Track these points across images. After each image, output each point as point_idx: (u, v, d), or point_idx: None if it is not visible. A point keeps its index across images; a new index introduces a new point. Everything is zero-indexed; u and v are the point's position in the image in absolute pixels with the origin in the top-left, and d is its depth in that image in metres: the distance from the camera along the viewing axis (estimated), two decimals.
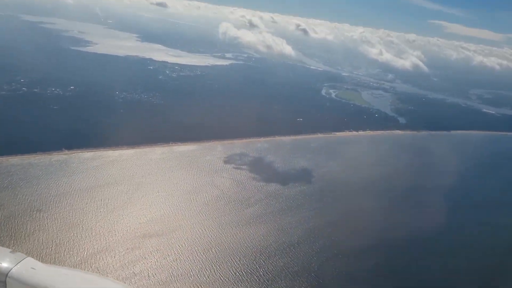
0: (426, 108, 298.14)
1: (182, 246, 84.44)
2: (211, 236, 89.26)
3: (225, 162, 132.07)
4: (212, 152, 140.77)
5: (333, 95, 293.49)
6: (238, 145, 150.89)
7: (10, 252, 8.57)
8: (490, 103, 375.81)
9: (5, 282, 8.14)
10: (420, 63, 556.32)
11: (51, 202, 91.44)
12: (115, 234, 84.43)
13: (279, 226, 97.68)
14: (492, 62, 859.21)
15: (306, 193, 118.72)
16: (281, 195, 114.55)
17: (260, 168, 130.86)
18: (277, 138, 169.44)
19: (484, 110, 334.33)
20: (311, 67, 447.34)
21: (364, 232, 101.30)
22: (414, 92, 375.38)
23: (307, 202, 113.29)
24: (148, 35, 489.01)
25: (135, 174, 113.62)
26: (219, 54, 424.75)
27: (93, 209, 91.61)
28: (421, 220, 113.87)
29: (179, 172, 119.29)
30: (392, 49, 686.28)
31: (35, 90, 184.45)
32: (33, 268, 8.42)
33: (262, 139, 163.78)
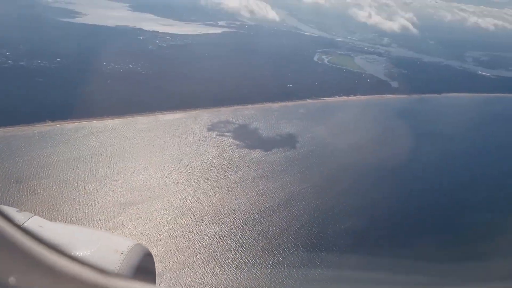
0: (420, 72, 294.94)
1: (162, 213, 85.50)
2: (192, 203, 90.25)
3: (210, 129, 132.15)
4: (198, 120, 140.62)
5: (325, 60, 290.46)
6: (225, 113, 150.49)
7: (17, 211, 8.67)
8: (486, 65, 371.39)
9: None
10: (409, 25, 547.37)
11: (32, 174, 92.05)
12: (95, 204, 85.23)
13: (260, 191, 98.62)
14: (488, 23, 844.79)
15: (290, 158, 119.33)
16: (265, 161, 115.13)
17: (245, 135, 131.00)
18: (266, 105, 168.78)
19: (479, 72, 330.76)
20: (305, 33, 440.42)
21: (347, 195, 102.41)
22: (409, 56, 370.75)
23: (290, 167, 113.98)
24: (139, 5, 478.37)
25: (118, 144, 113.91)
26: (212, 22, 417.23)
27: (74, 180, 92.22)
28: (406, 182, 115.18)
29: (163, 141, 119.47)
30: (384, 12, 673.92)
31: (21, 63, 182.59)
32: (40, 226, 8.60)
33: (249, 106, 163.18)
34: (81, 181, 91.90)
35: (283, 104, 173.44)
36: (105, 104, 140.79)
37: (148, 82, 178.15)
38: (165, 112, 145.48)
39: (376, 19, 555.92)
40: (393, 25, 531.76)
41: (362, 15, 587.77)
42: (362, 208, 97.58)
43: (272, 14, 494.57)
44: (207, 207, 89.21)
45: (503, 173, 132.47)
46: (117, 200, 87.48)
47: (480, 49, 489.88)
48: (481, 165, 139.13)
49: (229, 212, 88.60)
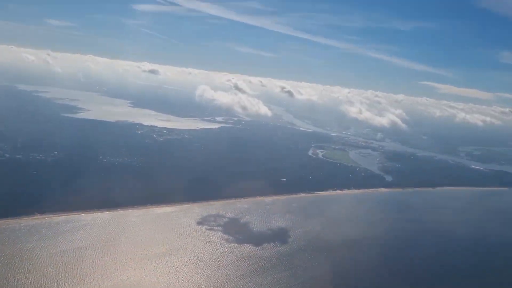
0: (413, 166, 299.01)
1: None
2: None
3: (200, 223, 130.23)
4: (189, 213, 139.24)
5: (320, 155, 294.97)
6: (216, 206, 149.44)
7: None
8: (478, 160, 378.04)
9: None
10: (398, 121, 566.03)
11: (11, 269, 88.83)
12: None
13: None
14: (476, 118, 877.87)
15: (282, 254, 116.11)
16: (255, 256, 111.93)
17: (235, 229, 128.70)
18: (258, 198, 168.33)
19: (472, 166, 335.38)
20: (301, 129, 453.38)
21: None
22: (403, 151, 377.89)
23: (281, 263, 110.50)
24: (140, 101, 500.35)
25: (105, 238, 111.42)
26: (210, 118, 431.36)
27: (54, 275, 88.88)
28: (399, 274, 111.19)
29: (151, 235, 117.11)
30: (375, 108, 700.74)
31: (18, 156, 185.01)
32: None
33: (242, 199, 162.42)
34: (61, 277, 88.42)
35: (276, 197, 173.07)
36: (96, 197, 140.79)
37: (142, 176, 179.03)
38: (157, 206, 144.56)
39: (367, 115, 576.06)
40: (383, 121, 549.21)
41: (353, 111, 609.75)
42: None
43: (264, 110, 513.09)
44: None
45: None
46: None
47: (472, 144, 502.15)
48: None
49: None
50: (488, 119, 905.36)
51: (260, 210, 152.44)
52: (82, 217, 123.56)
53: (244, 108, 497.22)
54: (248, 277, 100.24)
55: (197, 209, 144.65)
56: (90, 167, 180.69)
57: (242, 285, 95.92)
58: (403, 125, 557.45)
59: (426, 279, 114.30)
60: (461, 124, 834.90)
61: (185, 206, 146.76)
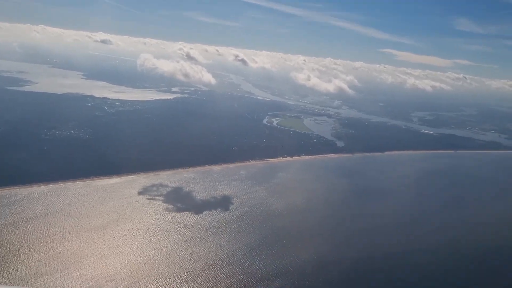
0: (366, 132, 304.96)
1: (74, 284, 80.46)
2: (110, 270, 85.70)
3: (142, 194, 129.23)
4: (133, 184, 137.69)
5: (274, 123, 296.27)
6: (162, 177, 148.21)
7: None
8: (430, 124, 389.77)
9: None
10: (345, 86, 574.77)
11: None
12: (2, 276, 79.73)
13: (187, 255, 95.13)
14: (426, 84, 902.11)
15: (222, 221, 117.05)
16: (195, 224, 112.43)
17: (178, 199, 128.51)
18: (207, 167, 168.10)
19: (423, 130, 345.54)
20: (258, 98, 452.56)
21: (276, 258, 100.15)
22: (358, 117, 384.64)
23: (221, 229, 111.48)
24: (94, 73, 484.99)
25: (41, 212, 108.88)
26: (165, 88, 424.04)
27: None
28: (337, 239, 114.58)
29: (91, 207, 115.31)
30: (327, 75, 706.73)
31: None
32: None
33: (190, 169, 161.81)
34: None
35: (225, 166, 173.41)
36: (34, 171, 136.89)
37: (87, 148, 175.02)
38: (100, 178, 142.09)
39: (315, 81, 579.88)
40: (329, 86, 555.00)
41: (301, 77, 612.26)
42: (291, 272, 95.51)
43: (207, 77, 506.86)
44: (128, 272, 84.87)
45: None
46: (28, 271, 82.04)
47: (425, 109, 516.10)
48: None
49: (151, 278, 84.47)
50: (437, 84, 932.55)
51: (207, 179, 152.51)
52: (18, 192, 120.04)
53: (186, 75, 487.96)
54: (187, 243, 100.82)
55: (142, 180, 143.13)
56: (32, 141, 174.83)
57: (179, 251, 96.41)
58: (350, 91, 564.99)
59: (360, 241, 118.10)
60: (412, 90, 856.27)
61: (130, 178, 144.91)
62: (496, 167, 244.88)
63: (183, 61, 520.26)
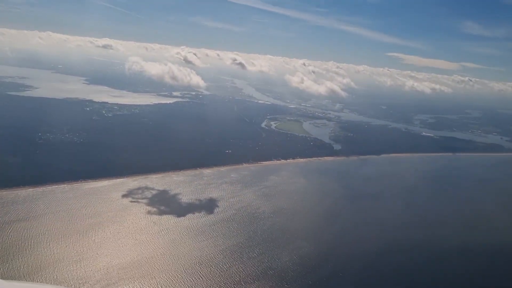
0: (365, 134, 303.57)
1: (60, 282, 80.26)
2: (89, 272, 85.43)
3: (127, 197, 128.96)
4: (121, 187, 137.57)
5: (273, 126, 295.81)
6: (151, 180, 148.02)
7: None
8: (431, 127, 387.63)
9: None
10: (337, 88, 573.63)
11: None
12: None
13: (165, 259, 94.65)
14: (425, 86, 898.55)
15: (206, 223, 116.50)
16: (178, 226, 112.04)
17: (162, 202, 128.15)
18: (198, 170, 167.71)
19: (424, 133, 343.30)
20: (259, 101, 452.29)
21: (257, 261, 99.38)
22: (359, 120, 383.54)
23: (203, 232, 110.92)
24: (96, 78, 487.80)
25: (25, 215, 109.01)
26: (166, 92, 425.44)
27: None
28: (322, 241, 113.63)
29: (76, 210, 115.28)
30: (324, 78, 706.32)
31: None
32: None
33: (180, 172, 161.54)
34: None
35: (217, 169, 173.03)
36: (24, 174, 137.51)
37: (79, 151, 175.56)
38: (89, 181, 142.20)
39: (308, 84, 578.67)
40: (320, 89, 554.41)
41: (295, 80, 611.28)
42: (269, 275, 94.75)
43: (196, 80, 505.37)
44: (101, 277, 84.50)
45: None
46: (4, 275, 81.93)
47: (428, 112, 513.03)
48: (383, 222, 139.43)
49: (126, 280, 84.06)
50: (437, 86, 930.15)
51: (196, 182, 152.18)
52: (3, 195, 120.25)
53: (174, 78, 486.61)
54: (166, 246, 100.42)
55: (131, 183, 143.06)
56: (25, 145, 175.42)
57: (158, 254, 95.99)
58: (343, 93, 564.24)
59: (343, 246, 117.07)
60: (418, 93, 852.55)
61: (119, 181, 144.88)
62: (491, 169, 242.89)
63: (172, 64, 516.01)
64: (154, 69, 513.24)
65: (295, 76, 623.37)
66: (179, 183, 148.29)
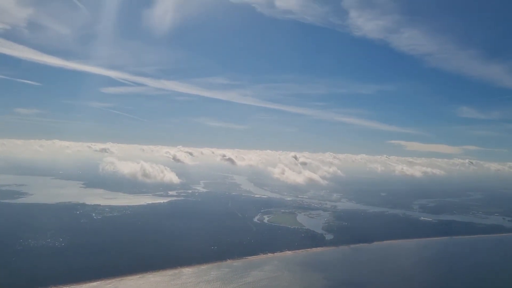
0: (360, 222, 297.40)
1: None
2: None
3: None
4: None
5: (265, 220, 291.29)
6: (126, 283, 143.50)
7: None
8: (430, 211, 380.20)
9: None
10: (316, 177, 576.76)
11: None
12: None
13: None
14: (417, 170, 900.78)
15: None
16: None
17: None
18: (178, 269, 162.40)
19: (422, 218, 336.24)
20: (255, 196, 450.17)
21: None
22: (355, 209, 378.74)
23: None
24: (93, 181, 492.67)
25: None
26: (162, 192, 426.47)
27: None
28: None
29: None
30: (309, 168, 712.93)
31: None
32: None
33: (159, 272, 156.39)
34: None
35: (198, 267, 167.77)
36: None
37: (56, 256, 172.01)
38: (61, 286, 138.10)
39: (288, 174, 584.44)
40: (297, 179, 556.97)
41: (276, 172, 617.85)
42: None
43: (170, 176, 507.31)
44: None
45: None
46: None
47: (429, 196, 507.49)
48: None
49: None
50: (429, 169, 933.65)
51: (172, 282, 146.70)
52: None
53: (147, 176, 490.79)
54: None
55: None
56: (2, 252, 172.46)
57: None
58: (323, 181, 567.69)
59: None
60: (399, 176, 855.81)
61: (92, 285, 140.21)
62: (487, 252, 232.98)
63: (144, 162, 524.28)
64: (126, 168, 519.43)
65: (276, 168, 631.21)
66: (154, 284, 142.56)
